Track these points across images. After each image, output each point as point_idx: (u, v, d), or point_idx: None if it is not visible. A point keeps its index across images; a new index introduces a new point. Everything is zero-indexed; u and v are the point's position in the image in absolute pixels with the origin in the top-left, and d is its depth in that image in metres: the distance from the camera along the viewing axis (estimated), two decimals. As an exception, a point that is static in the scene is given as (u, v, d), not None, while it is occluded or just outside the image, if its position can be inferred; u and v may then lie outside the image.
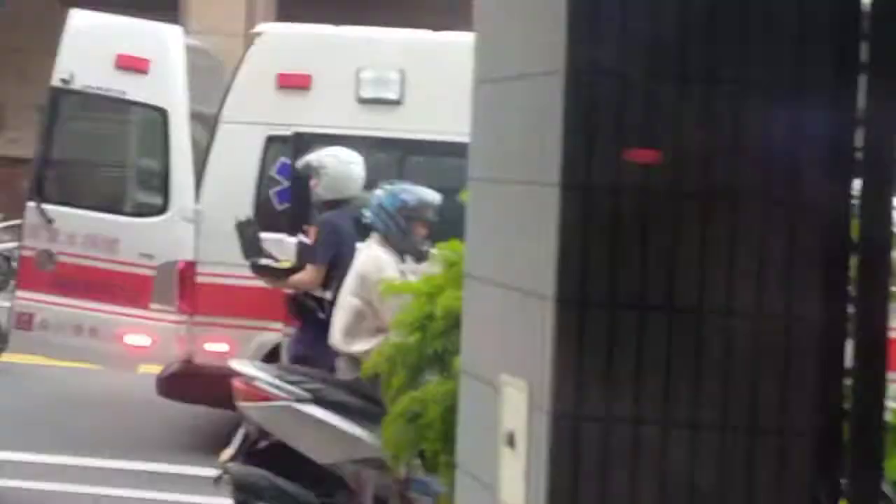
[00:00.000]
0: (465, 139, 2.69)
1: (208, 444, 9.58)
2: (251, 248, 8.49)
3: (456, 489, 2.63)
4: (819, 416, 2.14)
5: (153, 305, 9.16)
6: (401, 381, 5.19)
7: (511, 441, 2.29)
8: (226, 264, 8.97)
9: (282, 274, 8.40)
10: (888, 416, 2.38)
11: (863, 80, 2.17)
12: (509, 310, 2.36)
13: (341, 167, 8.28)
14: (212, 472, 7.04)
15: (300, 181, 8.96)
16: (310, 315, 8.08)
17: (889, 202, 2.18)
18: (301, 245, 8.52)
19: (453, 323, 4.99)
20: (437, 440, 4.91)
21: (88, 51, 9.44)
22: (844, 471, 2.13)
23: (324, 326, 7.66)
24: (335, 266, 8.04)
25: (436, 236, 7.35)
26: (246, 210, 9.01)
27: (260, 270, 8.56)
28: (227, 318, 8.98)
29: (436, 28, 9.93)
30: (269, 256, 8.57)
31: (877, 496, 2.13)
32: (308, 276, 8.20)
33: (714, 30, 2.18)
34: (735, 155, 2.17)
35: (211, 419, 9.93)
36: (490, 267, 2.48)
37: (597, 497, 2.15)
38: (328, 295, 8.02)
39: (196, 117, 9.66)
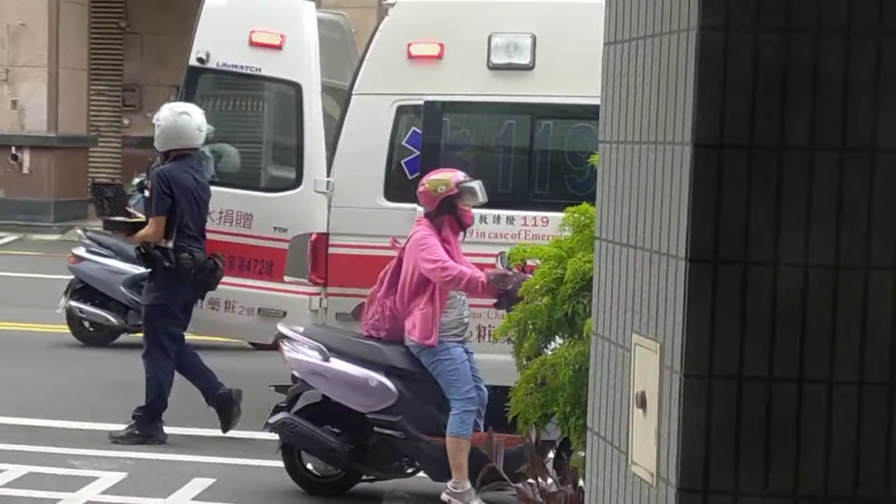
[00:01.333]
0: (595, 102, 2.67)
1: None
2: (107, 207, 9.76)
3: (587, 451, 2.63)
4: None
5: (286, 278, 9.28)
6: (531, 344, 5.20)
7: (643, 402, 2.28)
8: (358, 235, 9.05)
9: (128, 228, 9.39)
10: None
11: None
12: (641, 271, 2.35)
13: (174, 119, 8.92)
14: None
15: (430, 149, 9.00)
16: (157, 265, 8.84)
17: None
18: (145, 199, 9.24)
19: (583, 286, 4.98)
20: (567, 403, 4.91)
21: (223, 29, 9.58)
22: None
23: (172, 275, 8.71)
24: (174, 217, 8.83)
25: (566, 199, 7.36)
26: (378, 182, 9.07)
27: (111, 226, 9.94)
28: (358, 288, 9.07)
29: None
30: (126, 214, 9.76)
31: None
32: (150, 229, 8.96)
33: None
34: (873, 108, 2.12)
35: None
36: (621, 229, 2.47)
37: (729, 457, 2.13)
38: (170, 244, 8.81)
39: (329, 91, 9.75)
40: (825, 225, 2.14)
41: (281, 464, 7.87)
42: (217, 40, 9.55)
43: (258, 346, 11.13)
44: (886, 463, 2.12)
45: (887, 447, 2.12)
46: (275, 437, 7.91)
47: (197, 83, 9.74)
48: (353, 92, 9.24)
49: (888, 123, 2.13)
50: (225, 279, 9.25)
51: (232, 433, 9.07)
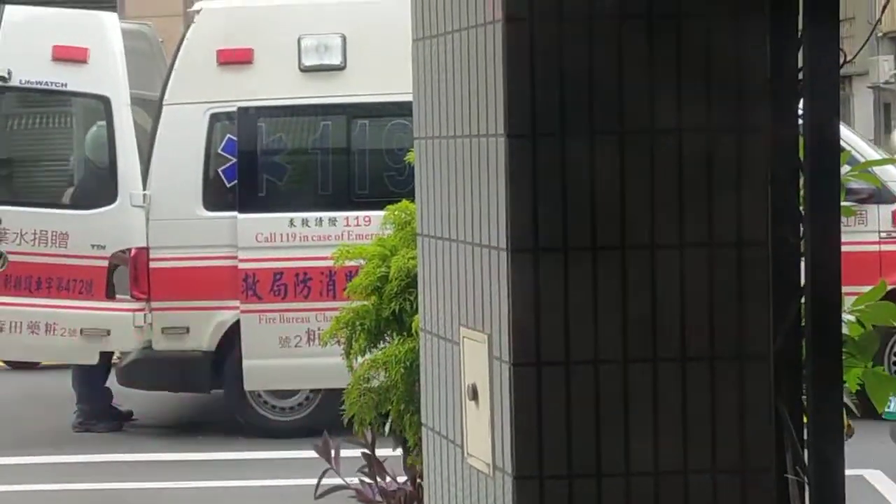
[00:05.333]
0: (409, 98, 2.67)
1: (176, 429, 9.59)
2: None
3: (423, 447, 2.63)
4: (776, 337, 2.16)
5: (109, 295, 9.10)
6: (361, 345, 5.19)
7: (474, 394, 2.29)
8: (178, 247, 8.92)
9: None
10: (846, 330, 2.40)
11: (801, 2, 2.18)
12: (464, 264, 2.36)
13: None
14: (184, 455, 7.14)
15: (247, 156, 8.91)
16: None
17: (836, 117, 2.19)
18: None
19: (409, 283, 4.99)
20: (400, 401, 4.92)
21: (24, 45, 9.33)
22: (805, 388, 2.15)
23: None
24: None
25: (386, 198, 7.35)
26: (196, 192, 8.95)
27: None
28: (183, 301, 8.94)
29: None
30: None
31: (837, 409, 2.15)
32: None
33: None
34: (676, 88, 2.16)
35: (174, 404, 9.92)
36: (442, 223, 2.47)
37: (561, 441, 2.16)
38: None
39: (139, 102, 9.58)
40: (638, 208, 2.18)
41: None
42: (18, 56, 9.30)
43: (15, 366, 10.92)
44: (713, 438, 2.17)
45: (711, 423, 2.17)
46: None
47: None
48: (164, 102, 9.09)
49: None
50: (45, 301, 9.01)
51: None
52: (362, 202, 8.86)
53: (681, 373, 2.17)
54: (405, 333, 5.01)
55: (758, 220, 2.17)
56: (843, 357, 2.21)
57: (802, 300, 2.17)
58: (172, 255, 8.95)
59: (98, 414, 9.49)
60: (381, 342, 5.17)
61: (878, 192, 8.56)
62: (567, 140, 2.17)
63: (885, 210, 8.83)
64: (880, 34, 26.75)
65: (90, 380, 9.52)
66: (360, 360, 5.25)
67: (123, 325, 9.03)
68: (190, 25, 9.33)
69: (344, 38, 8.96)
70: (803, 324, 2.17)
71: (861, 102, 29.71)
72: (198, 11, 9.42)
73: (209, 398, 9.68)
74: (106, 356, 9.38)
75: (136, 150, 9.24)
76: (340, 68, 8.98)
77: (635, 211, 2.17)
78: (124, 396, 9.65)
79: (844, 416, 2.24)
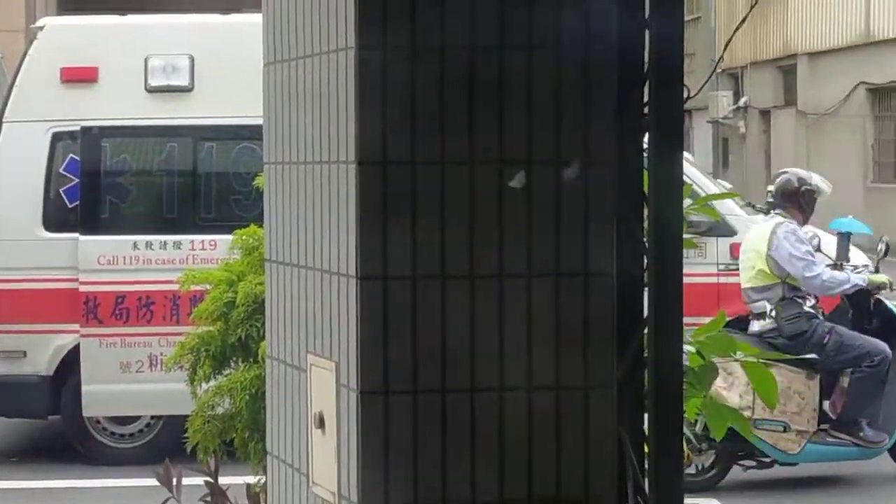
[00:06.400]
0: (257, 122, 2.65)
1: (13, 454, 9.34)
2: None
3: (268, 475, 2.60)
4: (620, 367, 2.19)
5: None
6: (206, 371, 5.14)
7: (321, 423, 2.28)
8: (17, 269, 8.71)
9: None
10: (686, 361, 2.45)
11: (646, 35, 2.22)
12: (313, 291, 2.35)
13: None
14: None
15: (90, 176, 8.75)
16: None
17: (679, 152, 2.24)
18: None
19: (256, 309, 4.95)
20: (245, 428, 4.88)
21: None
22: (646, 416, 2.19)
23: None
24: None
25: (233, 222, 7.28)
26: (36, 212, 8.75)
27: None
28: (20, 323, 8.72)
29: (224, 11, 9.81)
30: None
31: (678, 438, 2.19)
32: None
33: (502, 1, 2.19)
34: (526, 116, 2.19)
35: (9, 430, 9.66)
36: (291, 249, 2.46)
37: (408, 471, 2.16)
38: None
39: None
40: (489, 236, 2.19)
41: None
42: None
43: None
44: (557, 466, 2.20)
45: (556, 451, 2.19)
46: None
47: None
48: (4, 119, 8.88)
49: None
50: None
51: None
52: (208, 226, 8.77)
53: (527, 402, 2.19)
54: (251, 360, 4.98)
55: (603, 252, 2.21)
56: (684, 388, 2.25)
57: (645, 331, 2.21)
58: (10, 276, 8.73)
59: None
60: (227, 368, 5.12)
61: (717, 226, 8.77)
62: (418, 168, 2.18)
63: (724, 243, 9.04)
64: (720, 70, 27.51)
65: None
66: (204, 386, 5.19)
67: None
68: (32, 41, 9.14)
69: (192, 59, 8.87)
70: (646, 354, 2.21)
71: (700, 136, 30.47)
72: (41, 27, 9.23)
73: (46, 424, 9.45)
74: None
75: (-27, 169, 9.00)
76: (188, 90, 8.88)
77: (483, 239, 2.19)
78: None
79: (684, 444, 2.28)
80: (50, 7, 17.69)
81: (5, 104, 8.96)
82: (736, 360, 2.91)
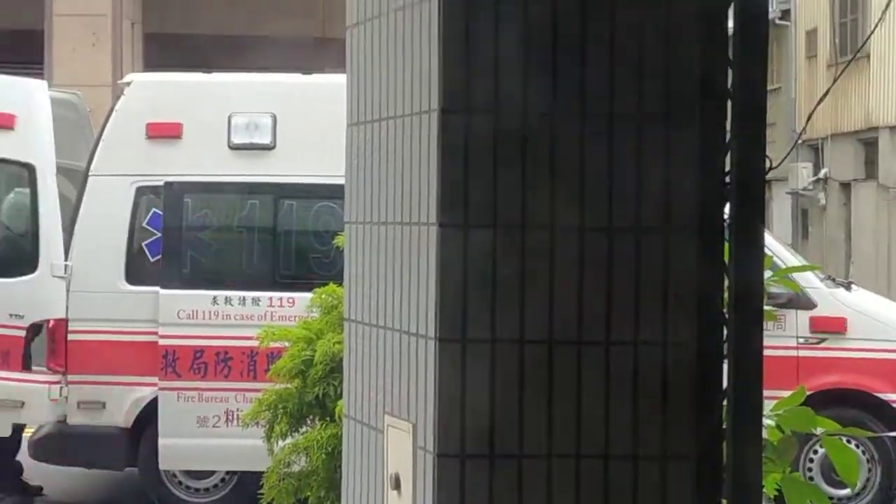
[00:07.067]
0: (338, 181, 2.67)
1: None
2: None
3: (342, 534, 2.60)
4: (699, 438, 2.17)
5: (25, 366, 8.95)
6: (283, 428, 5.15)
7: (397, 484, 2.28)
8: (99, 320, 8.82)
9: None
10: (765, 434, 2.42)
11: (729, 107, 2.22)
12: (391, 351, 2.36)
13: None
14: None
15: (172, 231, 8.86)
16: None
17: (760, 224, 2.23)
18: None
19: (334, 367, 4.97)
20: (320, 487, 4.87)
21: (-48, 111, 9.25)
22: (725, 490, 2.16)
23: None
24: None
25: (311, 280, 7.33)
26: (119, 265, 8.86)
27: None
28: (100, 375, 8.81)
29: (307, 71, 9.92)
30: None
31: None
32: None
33: (584, 69, 2.20)
34: (607, 186, 2.19)
35: (86, 481, 9.73)
36: (370, 309, 2.47)
37: (484, 535, 2.15)
38: None
39: (64, 172, 9.50)
40: (568, 302, 2.19)
41: None
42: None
43: None
44: None
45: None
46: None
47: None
48: (90, 173, 9.03)
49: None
50: (-40, 372, 8.84)
51: None
52: (287, 283, 8.83)
53: (603, 471, 2.17)
54: (328, 419, 4.98)
55: (684, 321, 2.20)
56: (763, 461, 2.23)
57: (725, 402, 2.19)
58: (92, 327, 8.84)
59: (7, 488, 9.29)
60: (304, 426, 5.13)
61: (796, 298, 8.68)
62: (498, 230, 2.18)
63: (803, 316, 8.94)
64: (800, 142, 27.34)
65: (1, 452, 9.32)
66: (281, 443, 5.20)
67: (38, 397, 8.87)
68: (119, 97, 9.30)
69: (274, 118, 8.98)
70: (725, 426, 2.19)
71: (780, 207, 30.23)
72: (128, 83, 9.40)
73: (123, 476, 9.51)
74: (18, 428, 9.21)
75: (59, 220, 9.15)
76: (269, 147, 8.98)
77: (564, 305, 2.18)
78: (35, 471, 9.46)
79: (763, 518, 2.25)
80: (136, 63, 18.02)
81: (91, 158, 9.11)
82: (817, 436, 2.86)
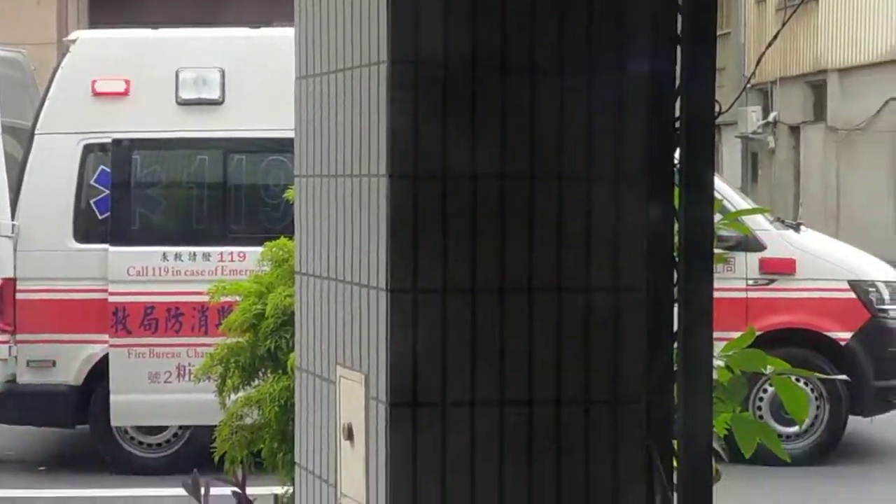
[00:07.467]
0: (287, 135, 2.66)
1: (39, 464, 9.38)
2: None
3: (296, 486, 2.61)
4: (650, 381, 2.19)
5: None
6: (235, 382, 5.15)
7: (350, 434, 2.29)
8: (47, 279, 8.77)
9: None
10: (715, 375, 2.45)
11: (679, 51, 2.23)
12: (343, 303, 2.36)
13: None
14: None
15: (120, 188, 8.80)
16: None
17: (710, 168, 2.24)
18: None
19: (285, 321, 4.97)
20: (273, 439, 4.88)
21: None
22: (676, 431, 2.19)
23: None
24: None
25: (262, 234, 7.30)
26: (67, 223, 8.80)
27: None
28: (50, 333, 8.77)
29: (255, 25, 9.85)
30: None
31: (707, 453, 2.19)
32: None
33: (533, 18, 2.20)
34: (558, 133, 2.20)
35: (38, 439, 9.70)
36: (321, 262, 2.47)
37: (436, 487, 2.16)
38: None
39: (10, 131, 9.40)
40: (518, 251, 2.20)
41: None
42: None
43: None
44: (586, 478, 2.20)
45: (585, 465, 2.19)
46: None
47: None
48: (36, 131, 8.94)
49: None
50: None
51: None
52: (237, 238, 8.80)
53: (555, 415, 2.19)
54: (280, 371, 4.98)
55: (634, 266, 2.21)
56: (713, 402, 2.25)
57: (675, 345, 2.21)
58: (40, 286, 8.79)
59: None
60: (256, 380, 5.13)
61: (746, 241, 8.75)
62: (449, 181, 2.18)
63: (753, 258, 9.02)
64: (749, 86, 27.45)
65: None
66: (233, 397, 5.21)
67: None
68: (65, 54, 9.20)
69: (223, 73, 8.91)
70: (675, 368, 2.21)
71: (730, 151, 30.39)
72: (73, 41, 9.30)
73: (75, 433, 9.49)
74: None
75: (4, 180, 9.06)
76: (218, 103, 8.93)
77: (514, 253, 2.19)
78: (-14, 430, 9.43)
79: (713, 460, 2.28)
80: (82, 21, 17.80)
81: (37, 116, 9.02)
82: (766, 375, 2.90)
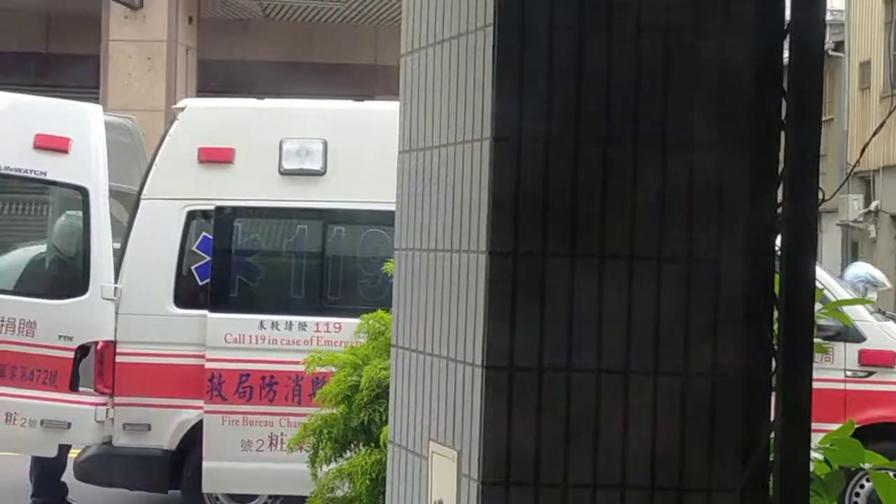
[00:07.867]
0: (387, 208, 2.68)
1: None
2: None
3: (385, 561, 2.60)
4: (744, 470, 2.15)
5: (72, 387, 9.01)
6: (327, 453, 5.16)
7: (441, 510, 2.28)
8: (146, 343, 8.87)
9: None
10: (812, 468, 2.40)
11: (782, 136, 2.22)
12: (438, 378, 2.36)
13: None
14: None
15: (221, 255, 8.91)
16: None
17: (812, 256, 2.22)
18: None
19: (379, 394, 4.98)
20: (364, 513, 4.88)
21: (7, 132, 9.35)
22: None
23: None
24: None
25: (358, 306, 7.34)
26: (168, 289, 8.92)
27: None
28: (146, 397, 8.86)
29: (358, 98, 9.98)
30: None
31: None
32: None
33: (637, 94, 2.21)
34: (658, 215, 2.19)
35: (130, 502, 9.77)
36: (418, 336, 2.47)
37: (528, 564, 2.14)
38: None
39: (117, 195, 9.59)
40: (616, 331, 2.18)
41: None
42: (0, 143, 9.32)
43: None
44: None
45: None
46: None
47: (-21, 187, 9.48)
48: (142, 196, 9.10)
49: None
50: (6, 390, 8.92)
51: None
52: (334, 308, 8.85)
53: (648, 502, 2.16)
54: (373, 445, 4.98)
55: (732, 351, 2.18)
56: (810, 495, 2.21)
57: (772, 435, 2.17)
58: (139, 350, 8.89)
59: None
60: (348, 452, 5.14)
61: (846, 331, 8.61)
62: (548, 259, 2.18)
63: (852, 349, 8.87)
64: (851, 174, 27.12)
65: (47, 472, 9.39)
66: (325, 468, 5.21)
67: (85, 418, 8.93)
68: (173, 121, 9.38)
69: (325, 144, 9.02)
70: (772, 458, 2.17)
71: (830, 239, 30.01)
72: (182, 108, 9.48)
73: (167, 498, 9.55)
74: (64, 449, 9.27)
75: (110, 243, 9.23)
76: (320, 173, 9.03)
77: (611, 337, 2.18)
78: (81, 491, 9.52)
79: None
80: (190, 89, 18.17)
81: (144, 182, 9.19)
82: (864, 469, 2.84)
